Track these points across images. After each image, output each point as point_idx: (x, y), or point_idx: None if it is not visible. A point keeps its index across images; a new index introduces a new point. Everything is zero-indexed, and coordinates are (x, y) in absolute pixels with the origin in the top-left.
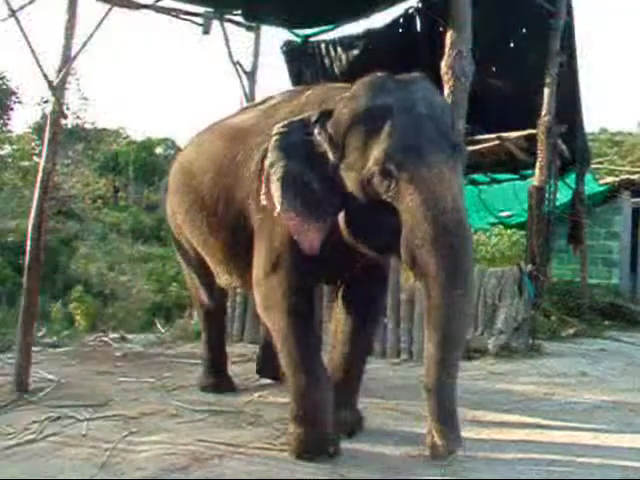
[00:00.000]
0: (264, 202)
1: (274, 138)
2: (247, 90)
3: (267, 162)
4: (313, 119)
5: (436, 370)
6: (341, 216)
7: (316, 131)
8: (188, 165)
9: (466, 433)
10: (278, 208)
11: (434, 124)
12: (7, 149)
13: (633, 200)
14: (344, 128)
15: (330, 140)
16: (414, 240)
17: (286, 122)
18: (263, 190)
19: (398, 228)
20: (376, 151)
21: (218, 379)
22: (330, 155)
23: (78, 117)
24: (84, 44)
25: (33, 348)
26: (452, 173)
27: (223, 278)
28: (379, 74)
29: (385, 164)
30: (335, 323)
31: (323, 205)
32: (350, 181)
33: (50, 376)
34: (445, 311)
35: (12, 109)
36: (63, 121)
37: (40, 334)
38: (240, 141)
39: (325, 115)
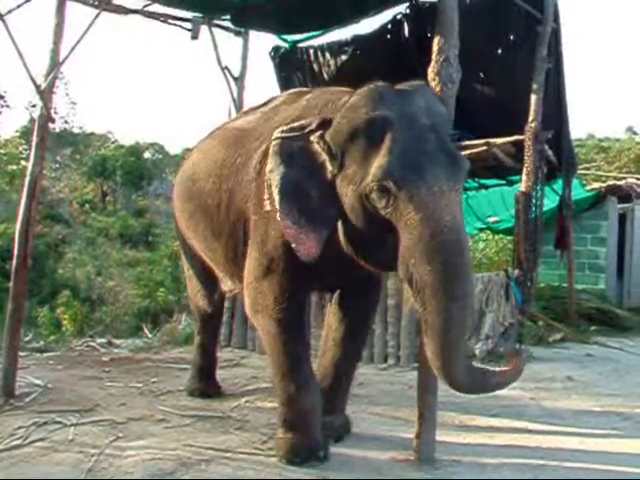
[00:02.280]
0: (268, 207)
1: (274, 143)
2: (235, 95)
3: (267, 168)
4: (313, 127)
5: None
6: (340, 226)
7: (315, 140)
8: (191, 170)
9: (453, 438)
10: (277, 215)
11: (435, 137)
12: None
13: (620, 206)
14: (343, 139)
15: (329, 150)
16: (411, 258)
17: (286, 127)
18: (266, 195)
19: (396, 243)
20: (375, 167)
21: (206, 384)
22: (329, 165)
23: (66, 121)
24: (72, 48)
25: (20, 353)
26: (452, 191)
27: (228, 283)
28: (379, 84)
29: (384, 181)
30: (327, 329)
31: (321, 214)
32: (348, 193)
33: (37, 381)
34: (442, 323)
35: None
36: (51, 125)
37: (27, 339)
38: (240, 145)
39: (324, 124)
